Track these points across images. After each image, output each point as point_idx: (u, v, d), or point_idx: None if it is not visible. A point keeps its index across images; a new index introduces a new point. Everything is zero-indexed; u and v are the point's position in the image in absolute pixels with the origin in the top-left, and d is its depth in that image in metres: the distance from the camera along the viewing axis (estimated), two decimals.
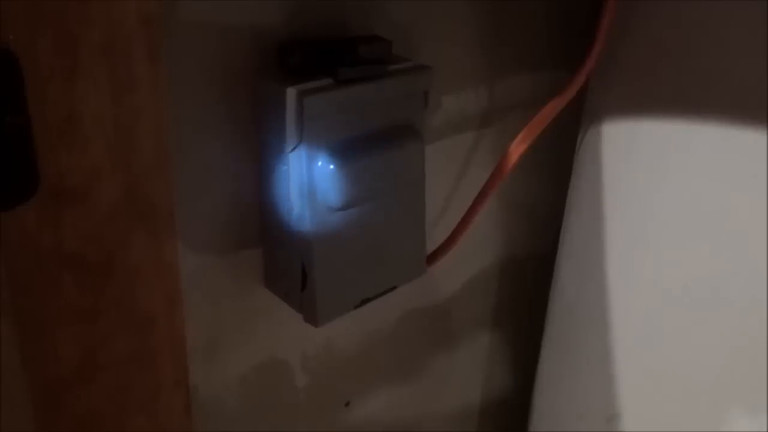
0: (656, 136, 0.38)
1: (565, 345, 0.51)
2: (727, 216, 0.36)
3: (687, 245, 0.38)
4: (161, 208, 0.37)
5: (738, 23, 0.35)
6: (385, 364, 0.55)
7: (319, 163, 0.37)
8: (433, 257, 0.47)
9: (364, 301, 0.42)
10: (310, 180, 0.37)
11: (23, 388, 0.34)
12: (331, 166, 0.37)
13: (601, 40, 0.40)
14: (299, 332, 0.47)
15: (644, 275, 0.42)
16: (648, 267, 0.42)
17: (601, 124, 0.42)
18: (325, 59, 0.37)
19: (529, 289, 0.61)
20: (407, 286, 0.52)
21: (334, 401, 0.53)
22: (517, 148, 0.42)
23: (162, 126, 0.34)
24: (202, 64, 0.35)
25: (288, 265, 0.40)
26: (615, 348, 0.43)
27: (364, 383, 0.54)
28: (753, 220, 0.35)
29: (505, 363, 0.64)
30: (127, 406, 0.41)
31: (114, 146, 0.33)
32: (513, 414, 0.63)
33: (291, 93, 0.35)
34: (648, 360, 0.42)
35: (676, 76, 0.37)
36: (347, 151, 0.37)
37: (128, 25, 0.31)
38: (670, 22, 0.38)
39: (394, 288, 0.44)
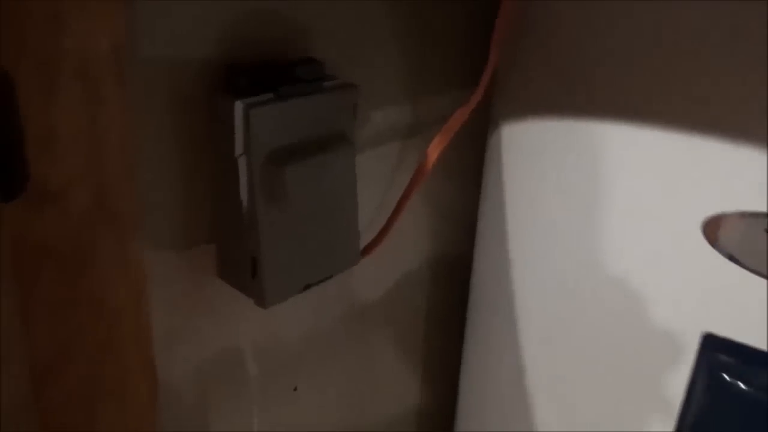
0: (549, 137, 0.44)
1: (481, 345, 0.56)
2: (630, 213, 0.40)
3: (584, 243, 0.43)
4: (127, 212, 0.42)
5: (625, 25, 0.38)
6: (328, 356, 0.60)
7: (263, 167, 0.43)
8: (366, 250, 0.54)
9: (307, 286, 0.48)
10: (255, 181, 0.43)
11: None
12: (274, 169, 0.43)
13: (494, 53, 0.47)
14: (251, 322, 0.53)
15: (547, 274, 0.46)
16: (551, 265, 0.46)
17: (500, 128, 0.49)
18: (267, 79, 0.43)
19: (459, 288, 0.68)
20: (346, 283, 0.59)
21: (284, 389, 0.59)
22: (432, 151, 0.50)
23: (127, 140, 0.40)
24: (160, 88, 0.42)
25: (240, 255, 0.46)
26: (525, 348, 0.48)
27: (310, 372, 0.60)
28: (653, 215, 0.39)
29: (440, 362, 0.70)
30: (96, 394, 0.46)
31: (87, 157, 0.39)
32: (449, 415, 0.69)
33: (238, 106, 0.41)
34: (557, 358, 0.47)
35: (564, 79, 0.42)
36: (287, 155, 0.44)
37: (100, 53, 0.37)
38: (556, 25, 0.42)
39: (332, 276, 0.51)
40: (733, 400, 0.37)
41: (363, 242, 0.53)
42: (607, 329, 0.42)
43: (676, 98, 0.36)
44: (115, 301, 0.44)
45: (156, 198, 0.44)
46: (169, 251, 0.46)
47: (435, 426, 0.70)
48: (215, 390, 0.53)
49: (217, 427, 0.54)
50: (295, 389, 0.59)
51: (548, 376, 0.46)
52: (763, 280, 0.35)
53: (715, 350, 0.37)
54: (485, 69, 0.47)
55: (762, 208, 0.34)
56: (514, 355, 0.48)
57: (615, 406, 0.42)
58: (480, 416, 0.56)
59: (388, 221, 0.53)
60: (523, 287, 0.47)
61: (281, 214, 0.45)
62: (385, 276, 0.62)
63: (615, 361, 0.42)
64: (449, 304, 0.64)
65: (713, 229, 0.35)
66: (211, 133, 0.44)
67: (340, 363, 0.61)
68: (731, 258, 0.35)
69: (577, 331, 0.43)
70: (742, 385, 0.36)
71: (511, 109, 0.46)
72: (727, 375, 0.37)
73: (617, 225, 0.39)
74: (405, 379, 0.68)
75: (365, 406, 0.65)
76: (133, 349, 0.46)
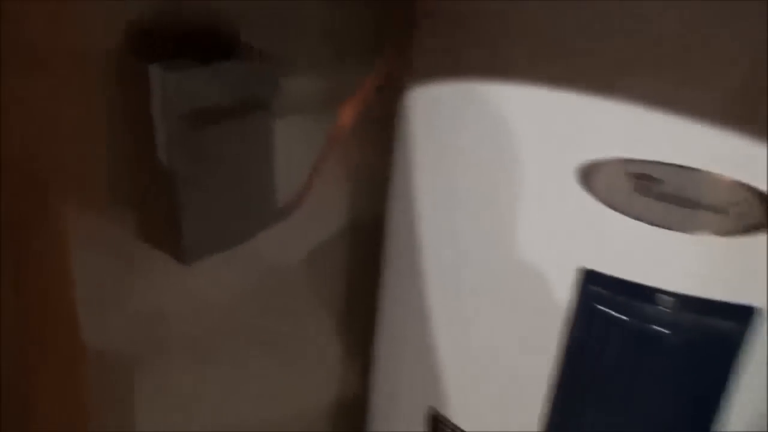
0: (444, 98, 0.48)
1: (393, 297, 0.59)
2: (514, 165, 0.43)
3: (475, 196, 0.46)
4: (48, 173, 0.44)
5: None
6: (252, 315, 0.63)
7: (181, 129, 0.45)
8: (285, 212, 0.56)
9: (228, 245, 0.51)
10: (173, 143, 0.45)
11: None
12: (191, 132, 0.45)
13: (399, 18, 0.50)
14: (173, 283, 0.54)
15: (445, 229, 0.49)
16: (449, 221, 0.49)
17: (408, 92, 0.52)
18: (184, 44, 0.45)
19: (378, 250, 0.70)
20: (267, 245, 0.61)
21: (211, 349, 0.61)
22: (345, 114, 0.53)
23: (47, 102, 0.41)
24: (77, 51, 0.43)
25: (160, 215, 0.48)
26: (430, 298, 0.51)
27: (235, 332, 0.62)
28: (534, 165, 0.42)
29: (360, 319, 0.73)
30: (22, 355, 0.47)
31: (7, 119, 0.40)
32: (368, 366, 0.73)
33: (154, 69, 0.43)
34: (455, 303, 0.50)
35: (457, 42, 0.45)
36: (205, 119, 0.46)
37: None
38: None
39: (252, 236, 0.53)
40: (610, 329, 0.41)
41: (283, 205, 0.55)
42: (498, 272, 0.46)
43: (555, 56, 0.40)
44: (37, 263, 0.46)
45: (75, 160, 0.46)
46: (90, 213, 0.48)
47: (357, 379, 0.73)
48: (142, 351, 0.55)
49: (145, 389, 0.56)
50: (222, 350, 0.62)
51: (448, 319, 0.50)
52: (633, 220, 0.39)
53: (592, 284, 0.41)
54: (396, 33, 0.51)
55: (631, 155, 0.39)
56: (419, 305, 0.52)
57: (506, 342, 0.47)
58: (393, 360, 0.59)
59: (305, 184, 0.56)
60: (427, 244, 0.51)
61: (199, 175, 0.47)
62: (306, 238, 0.64)
63: (504, 301, 0.46)
64: (369, 265, 0.67)
65: (587, 175, 0.39)
66: (129, 96, 0.46)
67: (264, 323, 0.64)
68: (603, 201, 0.40)
69: (474, 277, 0.47)
70: (617, 315, 0.41)
71: (418, 73, 0.50)
72: (604, 306, 0.41)
73: (504, 176, 0.43)
74: (327, 336, 0.71)
75: (291, 363, 0.68)
76: (56, 311, 0.48)
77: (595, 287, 0.41)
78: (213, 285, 0.58)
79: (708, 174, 0.38)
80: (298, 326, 0.68)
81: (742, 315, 0.40)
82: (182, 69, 0.44)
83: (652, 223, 0.39)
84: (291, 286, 0.65)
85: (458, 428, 0.51)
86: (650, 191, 0.39)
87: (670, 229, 0.39)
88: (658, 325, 0.40)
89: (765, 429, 0.42)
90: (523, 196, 0.43)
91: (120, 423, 0.56)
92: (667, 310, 0.40)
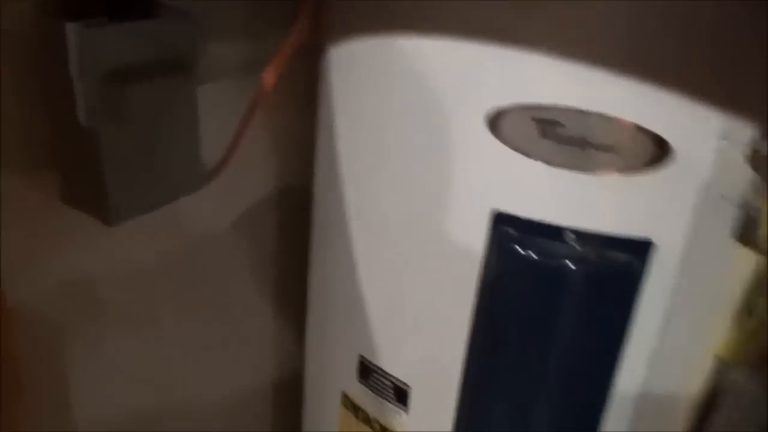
0: (359, 55, 0.49)
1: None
2: (427, 115, 0.45)
3: (393, 149, 0.48)
4: None
5: None
6: (180, 279, 0.63)
7: (100, 88, 0.45)
8: (210, 175, 0.57)
9: (153, 207, 0.51)
10: (93, 102, 0.45)
11: None
12: (111, 90, 0.45)
13: None
14: (99, 246, 0.54)
15: (374, 205, 0.51)
16: (378, 195, 0.50)
17: (327, 52, 0.54)
18: (102, 2, 0.45)
19: (306, 213, 0.72)
20: (194, 209, 0.61)
21: (141, 315, 0.61)
22: (268, 75, 0.53)
23: None
24: None
25: (83, 176, 0.48)
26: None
27: (163, 296, 0.62)
28: (445, 115, 0.44)
29: (291, 283, 0.75)
30: None
31: None
32: (301, 329, 0.74)
33: (71, 28, 0.43)
34: (381, 252, 0.52)
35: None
36: (124, 77, 0.46)
37: None
38: None
39: (177, 198, 0.54)
40: (522, 267, 0.44)
41: (208, 168, 0.56)
42: (417, 221, 0.48)
43: (460, 7, 0.42)
44: None
45: None
46: (12, 176, 0.47)
47: (290, 342, 0.75)
48: (70, 314, 0.55)
49: (75, 352, 0.56)
50: (153, 316, 0.62)
51: (372, 271, 0.53)
52: (539, 163, 0.42)
53: (504, 225, 0.44)
54: None
55: (534, 101, 0.41)
56: (346, 260, 0.54)
57: (427, 287, 0.49)
58: (323, 314, 0.61)
59: (230, 146, 0.57)
60: (350, 200, 0.53)
61: (122, 135, 0.47)
62: (235, 202, 0.65)
63: (424, 248, 0.48)
64: (300, 228, 0.68)
65: (495, 123, 0.42)
66: (47, 56, 0.46)
67: (195, 287, 0.64)
68: (511, 146, 0.42)
69: (395, 228, 0.50)
70: (527, 253, 0.44)
71: (334, 32, 0.51)
72: (515, 245, 0.44)
73: (417, 127, 0.45)
74: (259, 298, 0.72)
75: (224, 327, 0.69)
76: None
77: (507, 228, 0.44)
78: (141, 250, 0.58)
79: (605, 117, 0.40)
80: (230, 290, 0.69)
81: (639, 248, 0.43)
82: (99, 26, 0.44)
83: (556, 165, 0.42)
84: (221, 250, 0.65)
85: (387, 374, 0.53)
86: (554, 135, 0.41)
87: (572, 170, 0.42)
88: (565, 261, 0.43)
89: (664, 351, 0.46)
90: (436, 145, 0.45)
91: (53, 390, 0.56)
92: (573, 247, 0.43)
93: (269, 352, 0.76)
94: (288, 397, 0.75)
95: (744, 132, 0.40)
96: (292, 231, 0.70)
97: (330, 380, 0.60)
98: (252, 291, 0.71)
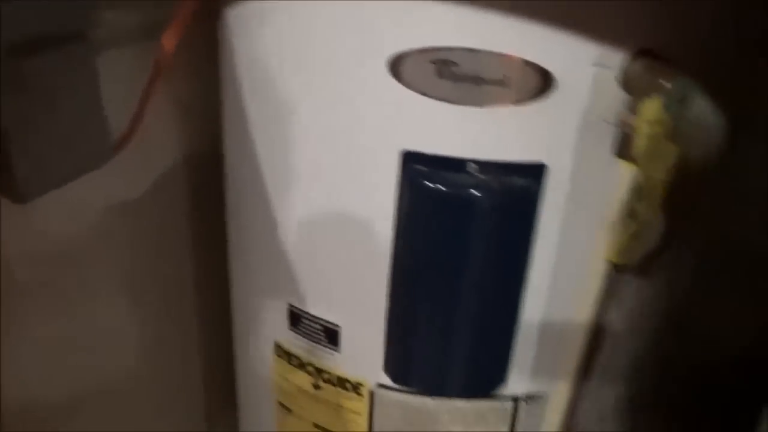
0: (264, 18, 0.50)
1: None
2: (329, 63, 0.47)
3: (301, 98, 0.50)
4: None
5: None
6: (95, 253, 0.63)
7: None
8: (117, 146, 0.57)
9: (63, 181, 0.51)
10: None
11: None
12: (8, 63, 0.45)
13: None
14: (17, 227, 0.54)
15: (285, 158, 0.53)
16: (289, 147, 0.52)
17: (226, 13, 0.54)
18: None
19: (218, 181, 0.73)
20: (104, 181, 0.61)
21: (60, 293, 0.61)
22: (167, 41, 0.54)
23: None
24: None
25: None
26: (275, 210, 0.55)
27: (82, 272, 0.62)
28: (348, 62, 0.46)
29: (209, 246, 0.75)
30: None
31: None
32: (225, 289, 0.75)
33: None
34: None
35: None
36: (22, 49, 0.46)
37: None
38: None
39: (87, 171, 0.54)
40: (432, 200, 0.48)
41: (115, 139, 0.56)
42: (330, 167, 0.51)
43: None
44: None
45: None
46: None
47: (216, 306, 0.76)
48: None
49: (3, 336, 0.55)
50: (76, 292, 0.62)
51: (291, 223, 0.55)
52: (439, 102, 0.45)
53: (414, 163, 0.47)
54: None
55: (430, 44, 0.44)
56: (264, 216, 0.56)
57: (347, 231, 0.52)
58: (248, 272, 0.63)
59: (135, 115, 0.57)
60: (261, 155, 0.55)
61: (24, 109, 0.47)
62: (143, 173, 0.65)
63: (339, 193, 0.51)
64: (210, 194, 0.69)
65: (396, 66, 0.45)
66: None
67: (112, 262, 0.64)
68: (412, 88, 0.45)
69: (310, 176, 0.52)
70: (436, 186, 0.47)
71: None
72: (426, 181, 0.47)
73: (323, 77, 0.48)
74: (179, 269, 0.73)
75: (143, 298, 0.69)
76: None
77: (415, 165, 0.47)
78: (57, 226, 0.58)
79: (494, 54, 0.44)
80: (148, 262, 0.69)
81: (534, 172, 0.47)
82: None
83: (454, 103, 0.45)
84: (136, 222, 0.66)
85: (317, 318, 0.56)
86: (450, 75, 0.45)
87: (469, 105, 0.45)
88: (470, 190, 0.47)
89: (563, 262, 0.51)
90: (342, 94, 0.47)
91: None
92: (476, 176, 0.47)
93: (194, 320, 0.77)
94: (219, 361, 0.77)
95: (616, 58, 0.44)
96: (204, 196, 0.71)
97: (261, 333, 0.63)
98: (172, 260, 0.72)
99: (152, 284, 0.70)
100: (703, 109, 0.44)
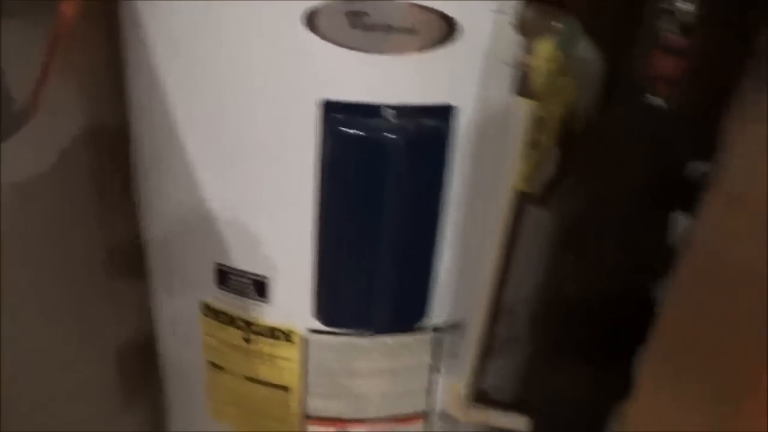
0: None
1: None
2: (243, 24, 0.49)
3: (210, 51, 0.51)
4: None
5: None
6: (11, 241, 0.61)
7: None
8: (22, 117, 0.55)
9: None
10: None
11: None
12: None
13: None
14: None
15: (204, 118, 0.54)
16: (207, 110, 0.54)
17: None
18: None
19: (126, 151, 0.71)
20: (11, 156, 0.59)
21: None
22: (66, 7, 0.53)
23: None
24: None
25: None
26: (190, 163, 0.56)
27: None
28: (263, 19, 0.48)
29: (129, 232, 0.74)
30: None
31: None
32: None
33: None
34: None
35: None
36: None
37: None
38: None
39: None
40: (352, 145, 0.51)
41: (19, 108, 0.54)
42: (253, 123, 0.52)
43: None
44: None
45: None
46: None
47: (132, 280, 0.75)
48: None
49: None
50: None
51: (217, 180, 0.57)
52: (353, 51, 0.48)
53: (333, 112, 0.50)
54: None
55: None
56: (184, 184, 0.57)
57: (270, 184, 0.54)
58: (167, 240, 0.64)
59: (38, 82, 0.55)
60: (179, 120, 0.55)
61: None
62: (48, 149, 0.64)
63: (263, 148, 0.53)
64: (119, 165, 0.68)
65: (311, 20, 0.47)
66: None
67: (24, 239, 0.63)
68: (328, 39, 0.48)
69: (234, 133, 0.53)
70: (355, 132, 0.50)
71: None
72: (344, 128, 0.50)
73: (239, 35, 0.49)
74: (91, 243, 0.72)
75: (63, 278, 0.68)
76: None
77: (334, 114, 0.50)
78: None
79: (402, 3, 0.47)
80: (59, 237, 0.67)
81: (444, 113, 0.51)
82: None
83: (367, 51, 0.48)
84: (46, 195, 0.64)
85: (245, 272, 0.58)
86: (362, 25, 0.47)
87: (381, 53, 0.48)
88: (387, 133, 0.50)
89: (475, 196, 0.56)
90: (260, 50, 0.49)
91: None
92: (391, 121, 0.50)
93: (110, 295, 0.76)
94: (139, 330, 0.77)
95: (512, 5, 0.49)
96: (112, 168, 0.70)
97: (186, 295, 0.63)
98: (82, 233, 0.71)
99: (59, 261, 0.69)
100: (585, 48, 0.50)
